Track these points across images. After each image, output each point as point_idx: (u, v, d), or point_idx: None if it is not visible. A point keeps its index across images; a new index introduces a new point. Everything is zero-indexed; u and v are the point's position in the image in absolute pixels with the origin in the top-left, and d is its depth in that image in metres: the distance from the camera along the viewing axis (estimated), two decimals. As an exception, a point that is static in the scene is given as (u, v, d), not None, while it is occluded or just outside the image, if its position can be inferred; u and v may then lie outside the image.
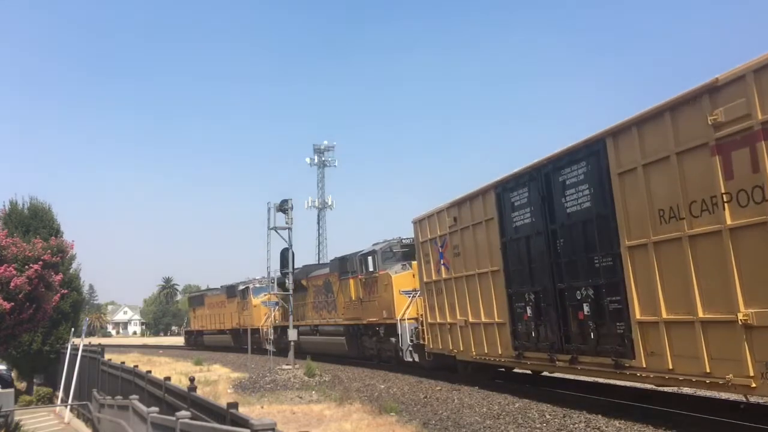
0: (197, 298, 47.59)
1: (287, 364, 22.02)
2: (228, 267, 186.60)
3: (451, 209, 16.12)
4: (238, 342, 37.17)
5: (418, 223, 18.06)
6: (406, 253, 21.26)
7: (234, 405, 6.17)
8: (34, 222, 25.08)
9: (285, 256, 24.08)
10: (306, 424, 12.05)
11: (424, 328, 17.93)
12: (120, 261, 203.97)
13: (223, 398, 14.59)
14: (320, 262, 45.17)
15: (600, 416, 10.59)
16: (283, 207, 23.64)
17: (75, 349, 20.49)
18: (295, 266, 25.41)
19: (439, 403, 13.58)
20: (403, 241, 21.58)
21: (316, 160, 68.86)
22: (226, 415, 6.10)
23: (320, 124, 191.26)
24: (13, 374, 25.46)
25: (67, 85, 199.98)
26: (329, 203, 68.80)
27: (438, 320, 16.98)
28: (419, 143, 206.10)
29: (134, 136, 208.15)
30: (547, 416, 11.07)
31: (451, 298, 16.15)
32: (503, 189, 13.71)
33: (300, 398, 16.05)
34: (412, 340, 19.01)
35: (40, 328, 21.76)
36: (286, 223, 23.71)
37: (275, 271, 25.19)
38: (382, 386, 17.03)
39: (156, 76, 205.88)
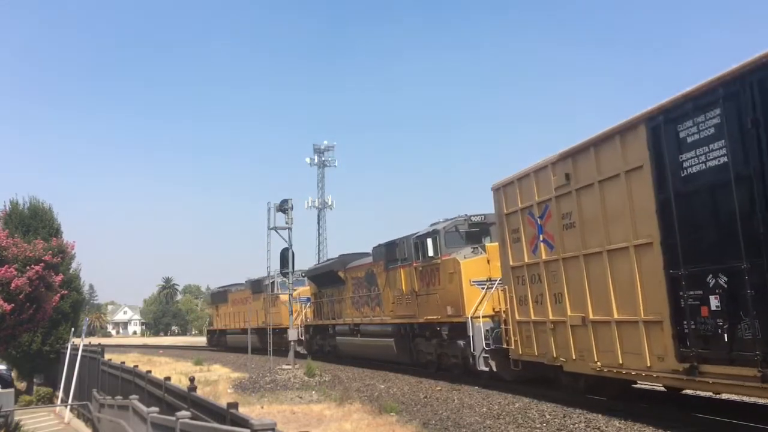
0: (220, 294, 43.28)
1: (287, 364, 22.02)
2: (228, 267, 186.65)
3: (559, 164, 12.04)
4: (265, 343, 34.26)
5: (502, 189, 14.07)
6: (477, 233, 17.65)
7: (234, 405, 6.18)
8: (35, 222, 25.08)
9: (285, 256, 24.08)
10: (306, 424, 12.06)
11: (510, 327, 14.05)
12: (120, 261, 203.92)
13: (223, 398, 14.59)
14: (320, 261, 44.56)
15: (600, 416, 10.59)
16: (283, 207, 23.65)
17: (75, 349, 20.48)
18: (296, 266, 25.24)
19: (439, 403, 13.58)
20: (472, 218, 17.73)
21: (316, 160, 68.86)
22: (226, 415, 6.10)
23: (320, 124, 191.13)
24: (13, 374, 25.46)
25: (67, 86, 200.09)
26: (329, 203, 68.81)
27: (533, 317, 12.98)
28: (419, 143, 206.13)
29: (134, 137, 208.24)
30: (547, 416, 11.08)
31: (557, 286, 12.23)
32: (666, 119, 9.41)
33: (300, 398, 16.06)
34: (487, 344, 15.11)
35: (40, 328, 21.77)
36: (286, 223, 23.73)
37: (275, 270, 25.19)
38: (382, 386, 17.04)
39: (156, 77, 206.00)
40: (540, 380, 13.89)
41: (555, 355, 12.36)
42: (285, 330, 29.18)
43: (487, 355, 15.13)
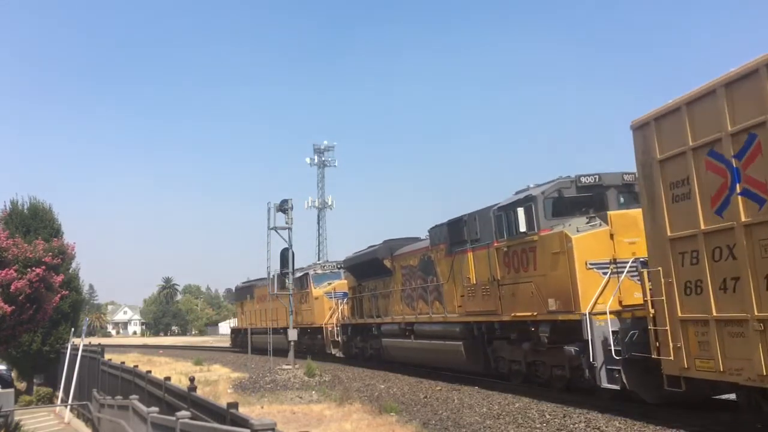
0: (245, 289, 39.23)
1: (287, 364, 22.01)
2: (228, 267, 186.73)
3: None
4: (297, 345, 29.25)
5: (653, 124, 9.85)
6: (589, 199, 13.15)
7: (234, 405, 6.18)
8: (35, 222, 25.08)
9: (285, 256, 24.07)
10: (306, 424, 12.06)
11: (667, 328, 9.56)
12: (120, 261, 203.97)
13: (223, 398, 14.59)
14: (319, 261, 44.07)
15: (600, 416, 10.60)
16: (283, 207, 23.65)
17: (75, 349, 20.48)
18: (295, 264, 24.98)
19: (439, 403, 13.58)
20: (582, 179, 13.05)
21: (316, 160, 68.83)
22: (226, 415, 6.11)
23: (320, 124, 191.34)
24: (13, 374, 25.46)
25: (67, 86, 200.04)
26: (329, 203, 68.79)
27: (715, 313, 8.68)
28: (419, 143, 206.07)
29: (135, 137, 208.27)
30: (547, 416, 11.08)
31: None
32: None
33: (300, 398, 16.06)
34: (617, 351, 10.70)
35: (40, 329, 21.76)
36: (286, 223, 23.72)
37: (275, 270, 25.18)
38: (382, 386, 17.03)
39: (156, 77, 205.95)
40: (700, 406, 10.40)
41: (751, 375, 8.11)
42: (318, 330, 27.49)
43: (615, 367, 10.83)
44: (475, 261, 15.53)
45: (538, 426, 10.49)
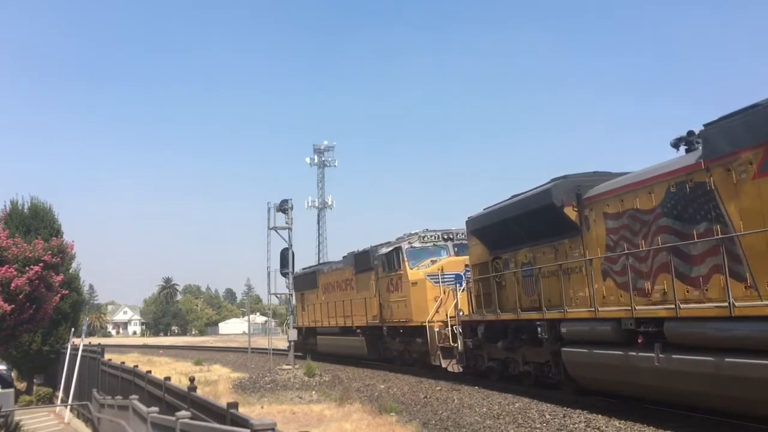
0: (306, 277, 30.50)
1: (287, 364, 22.00)
2: (228, 267, 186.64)
3: None
4: (376, 349, 22.38)
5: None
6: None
7: (234, 405, 6.17)
8: (35, 222, 25.05)
9: (285, 256, 24.06)
10: (306, 424, 12.05)
11: None
12: (120, 261, 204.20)
13: (223, 398, 14.58)
14: (319, 262, 43.65)
15: (600, 416, 10.60)
16: (283, 207, 23.64)
17: (75, 349, 20.47)
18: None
19: (439, 403, 13.58)
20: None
21: (316, 160, 68.89)
22: (226, 415, 6.10)
23: (320, 125, 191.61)
24: (13, 374, 25.44)
25: (68, 87, 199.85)
26: (329, 203, 68.81)
27: None
28: (420, 143, 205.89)
29: (135, 137, 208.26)
30: (547, 416, 11.07)
31: None
32: None
33: (300, 398, 16.05)
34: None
35: (40, 329, 21.74)
36: (286, 223, 23.71)
37: (275, 271, 25.14)
38: (382, 386, 17.03)
39: (157, 79, 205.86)
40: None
41: None
42: (416, 331, 18.92)
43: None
44: None
45: (538, 426, 10.49)
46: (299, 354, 27.86)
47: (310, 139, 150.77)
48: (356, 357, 23.71)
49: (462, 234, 19.02)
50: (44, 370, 25.55)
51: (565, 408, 11.55)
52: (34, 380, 25.64)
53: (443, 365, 17.50)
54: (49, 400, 22.52)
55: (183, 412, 6.79)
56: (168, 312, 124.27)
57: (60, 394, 21.24)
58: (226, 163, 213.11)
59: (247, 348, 30.10)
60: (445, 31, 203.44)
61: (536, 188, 13.38)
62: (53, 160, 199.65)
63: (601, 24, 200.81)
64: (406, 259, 19.88)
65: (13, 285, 15.31)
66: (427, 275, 18.85)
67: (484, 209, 15.71)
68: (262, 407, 14.49)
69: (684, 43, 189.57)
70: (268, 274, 25.17)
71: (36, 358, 24.48)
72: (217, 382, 19.66)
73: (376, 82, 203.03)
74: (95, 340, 32.67)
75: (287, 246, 24.00)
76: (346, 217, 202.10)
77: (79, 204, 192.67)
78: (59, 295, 18.72)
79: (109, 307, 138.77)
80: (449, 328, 17.42)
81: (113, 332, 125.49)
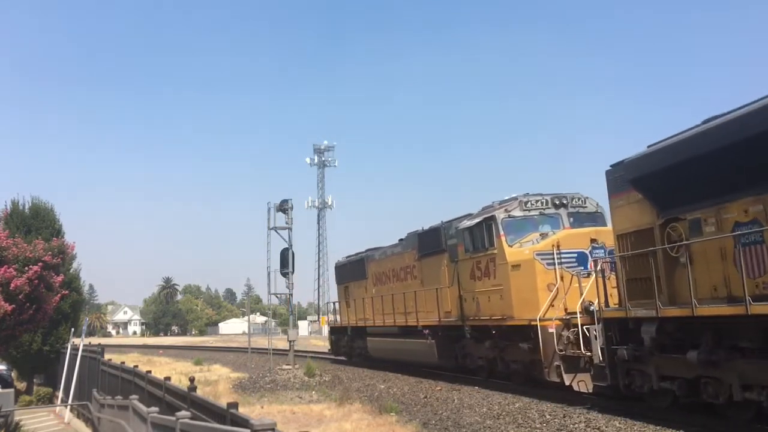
0: (351, 266, 25.57)
1: (287, 364, 21.99)
2: (228, 267, 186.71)
3: None
4: (451, 355, 17.20)
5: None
6: None
7: (234, 405, 6.18)
8: (36, 222, 25.06)
9: (285, 256, 24.03)
10: (306, 424, 12.05)
11: None
12: (120, 261, 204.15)
13: (223, 398, 14.58)
14: (319, 262, 43.45)
15: (600, 416, 10.59)
16: (283, 207, 23.61)
17: (75, 349, 20.47)
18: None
19: (439, 403, 13.58)
20: None
21: (316, 160, 68.90)
22: (226, 415, 6.11)
23: (320, 125, 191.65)
24: (13, 374, 25.44)
25: (68, 88, 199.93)
26: (329, 203, 68.83)
27: None
28: (419, 143, 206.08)
29: (135, 138, 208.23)
30: (547, 416, 11.07)
31: None
32: None
33: (300, 398, 16.05)
34: None
35: (40, 329, 21.76)
36: (286, 223, 23.68)
37: (275, 271, 25.12)
38: (382, 386, 17.03)
39: (158, 81, 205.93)
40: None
41: None
42: (519, 331, 13.66)
43: None
44: None
45: (538, 426, 10.49)
46: (343, 359, 25.95)
47: (310, 139, 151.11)
48: (422, 365, 19.21)
49: (579, 200, 14.99)
50: (44, 370, 25.55)
51: (565, 408, 11.54)
52: (34, 380, 25.64)
53: (566, 382, 12.47)
54: (49, 400, 22.53)
55: (183, 412, 6.80)
56: (168, 312, 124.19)
57: (60, 394, 21.24)
58: (226, 163, 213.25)
59: (247, 348, 30.09)
60: (446, 32, 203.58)
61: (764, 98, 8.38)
62: (53, 160, 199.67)
63: (602, 25, 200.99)
64: (502, 232, 14.51)
65: (12, 285, 15.34)
66: (537, 254, 13.57)
67: (649, 147, 10.41)
68: (262, 407, 14.49)
69: (683, 43, 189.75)
70: (268, 274, 25.15)
71: (36, 358, 24.48)
72: (217, 382, 19.66)
73: (377, 82, 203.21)
74: (95, 340, 32.66)
75: (287, 246, 23.99)
76: (346, 217, 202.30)
77: (79, 204, 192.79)
78: (59, 295, 18.73)
79: (109, 307, 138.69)
80: (577, 329, 12.22)
81: (113, 332, 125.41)
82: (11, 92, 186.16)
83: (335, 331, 27.47)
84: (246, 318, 78.56)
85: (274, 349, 27.14)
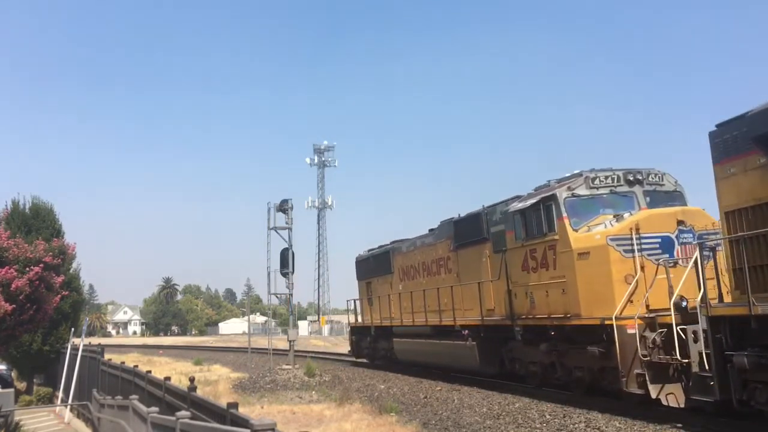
0: (374, 260, 23.43)
1: (287, 364, 21.99)
2: (228, 267, 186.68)
3: None
4: (495, 360, 15.14)
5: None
6: None
7: (234, 405, 6.18)
8: (36, 222, 25.04)
9: (285, 256, 24.02)
10: (306, 424, 12.05)
11: None
12: (120, 261, 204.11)
13: (223, 398, 14.58)
14: (319, 262, 43.47)
15: (600, 416, 10.60)
16: (283, 207, 23.60)
17: (75, 349, 20.47)
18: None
19: (439, 403, 13.58)
20: None
21: (316, 160, 68.93)
22: (226, 415, 6.11)
23: (320, 125, 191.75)
24: (13, 374, 25.44)
25: (68, 88, 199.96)
26: (329, 203, 68.85)
27: None
28: (419, 143, 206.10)
29: (135, 138, 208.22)
30: (547, 416, 11.07)
31: None
32: None
33: (300, 398, 16.05)
34: None
35: (40, 329, 21.76)
36: (286, 223, 23.67)
37: (275, 271, 25.11)
38: (382, 386, 17.03)
39: (157, 80, 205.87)
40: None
41: None
42: (587, 332, 11.49)
43: None
44: None
45: (538, 426, 10.49)
46: (363, 361, 24.21)
47: (310, 139, 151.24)
48: (460, 370, 16.94)
49: (656, 175, 12.79)
50: (44, 370, 25.55)
51: (565, 408, 11.55)
52: (34, 380, 25.64)
53: (652, 394, 10.11)
54: (49, 400, 22.52)
55: (183, 412, 6.80)
56: (168, 312, 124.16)
57: (60, 394, 21.24)
58: (226, 163, 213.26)
59: (247, 348, 30.10)
60: (446, 32, 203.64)
61: None
62: (54, 160, 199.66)
63: (602, 26, 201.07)
64: (565, 214, 12.26)
65: (13, 286, 15.33)
66: (611, 239, 11.31)
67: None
68: (262, 407, 14.49)
69: (684, 44, 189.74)
70: (268, 274, 25.14)
71: (36, 358, 24.48)
72: (217, 382, 19.66)
73: (377, 81, 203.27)
74: (95, 340, 32.66)
75: (287, 246, 23.98)
76: (346, 217, 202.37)
77: (80, 204, 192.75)
78: (59, 295, 18.74)
79: (109, 307, 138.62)
80: (666, 330, 10.02)
81: (113, 332, 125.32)
82: (11, 92, 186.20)
83: (357, 332, 25.00)
84: (246, 318, 78.56)
85: (274, 349, 27.16)
